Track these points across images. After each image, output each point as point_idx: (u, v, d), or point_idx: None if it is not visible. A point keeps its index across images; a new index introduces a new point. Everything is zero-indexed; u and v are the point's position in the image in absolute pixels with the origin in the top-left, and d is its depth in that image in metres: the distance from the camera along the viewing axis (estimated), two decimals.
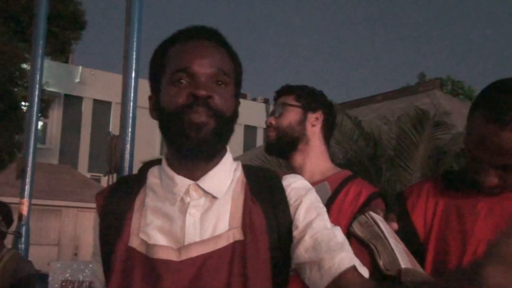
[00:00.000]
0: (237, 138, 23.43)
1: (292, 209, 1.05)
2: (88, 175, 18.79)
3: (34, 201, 4.01)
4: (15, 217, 3.33)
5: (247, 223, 1.01)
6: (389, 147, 7.22)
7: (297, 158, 1.71)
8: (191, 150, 1.01)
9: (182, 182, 1.03)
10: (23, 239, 3.73)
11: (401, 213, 1.42)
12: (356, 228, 1.30)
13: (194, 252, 0.98)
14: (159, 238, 1.00)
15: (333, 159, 1.81)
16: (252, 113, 23.04)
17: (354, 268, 0.96)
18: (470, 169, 1.31)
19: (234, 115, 1.05)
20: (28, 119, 4.03)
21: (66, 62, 20.76)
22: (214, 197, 1.03)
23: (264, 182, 1.08)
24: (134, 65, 2.67)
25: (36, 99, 3.97)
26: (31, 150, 3.89)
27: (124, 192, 1.09)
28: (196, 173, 1.04)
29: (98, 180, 17.76)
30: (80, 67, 20.99)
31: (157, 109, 1.05)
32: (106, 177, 2.64)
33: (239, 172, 1.10)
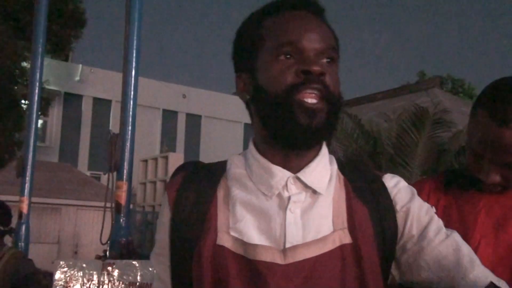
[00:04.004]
0: (237, 136, 23.48)
1: (399, 216, 0.94)
2: (88, 173, 18.78)
3: (34, 199, 4.02)
4: (15, 215, 3.33)
5: (355, 225, 0.89)
6: (389, 145, 7.23)
7: None
8: (299, 140, 0.86)
9: (282, 173, 0.90)
10: (23, 237, 3.74)
11: None
12: None
13: (300, 255, 0.86)
14: (255, 237, 0.87)
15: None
16: None
17: (493, 285, 0.86)
18: (471, 167, 1.31)
19: (342, 98, 0.91)
20: (28, 117, 4.04)
21: (66, 60, 20.72)
22: (315, 192, 0.91)
23: (364, 180, 0.96)
24: (134, 63, 2.67)
25: (36, 97, 3.97)
26: (31, 148, 3.90)
27: (201, 182, 0.94)
28: (294, 164, 0.91)
29: (98, 179, 17.74)
30: (80, 65, 20.94)
31: (254, 90, 0.90)
32: (106, 175, 2.64)
33: (335, 166, 0.97)
